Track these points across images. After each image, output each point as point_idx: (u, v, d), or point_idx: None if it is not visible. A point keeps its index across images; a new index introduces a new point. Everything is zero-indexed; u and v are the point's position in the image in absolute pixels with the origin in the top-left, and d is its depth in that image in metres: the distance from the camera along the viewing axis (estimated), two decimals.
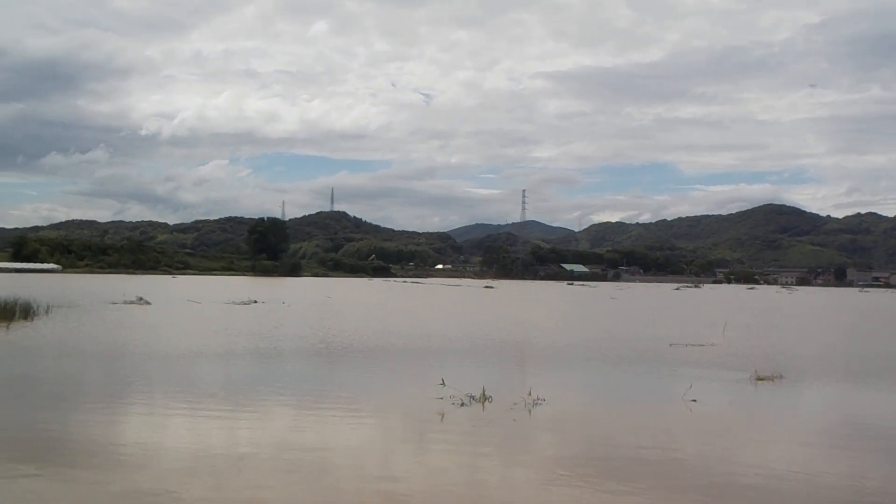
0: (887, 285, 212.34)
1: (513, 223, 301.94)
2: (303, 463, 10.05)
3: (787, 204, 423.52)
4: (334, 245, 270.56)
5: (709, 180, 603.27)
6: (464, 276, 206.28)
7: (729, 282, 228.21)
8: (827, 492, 9.33)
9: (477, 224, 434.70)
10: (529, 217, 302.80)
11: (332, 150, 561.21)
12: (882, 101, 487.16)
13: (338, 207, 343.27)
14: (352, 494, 8.80)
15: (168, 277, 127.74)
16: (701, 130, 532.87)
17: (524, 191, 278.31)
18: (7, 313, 29.19)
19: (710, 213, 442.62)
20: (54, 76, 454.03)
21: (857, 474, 10.21)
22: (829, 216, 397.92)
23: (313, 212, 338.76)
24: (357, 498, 8.69)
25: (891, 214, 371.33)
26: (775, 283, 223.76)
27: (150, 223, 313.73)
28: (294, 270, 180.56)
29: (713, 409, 14.92)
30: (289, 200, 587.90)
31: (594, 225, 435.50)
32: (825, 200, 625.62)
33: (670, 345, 26.51)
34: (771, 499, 8.95)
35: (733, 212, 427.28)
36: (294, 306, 47.37)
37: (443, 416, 13.19)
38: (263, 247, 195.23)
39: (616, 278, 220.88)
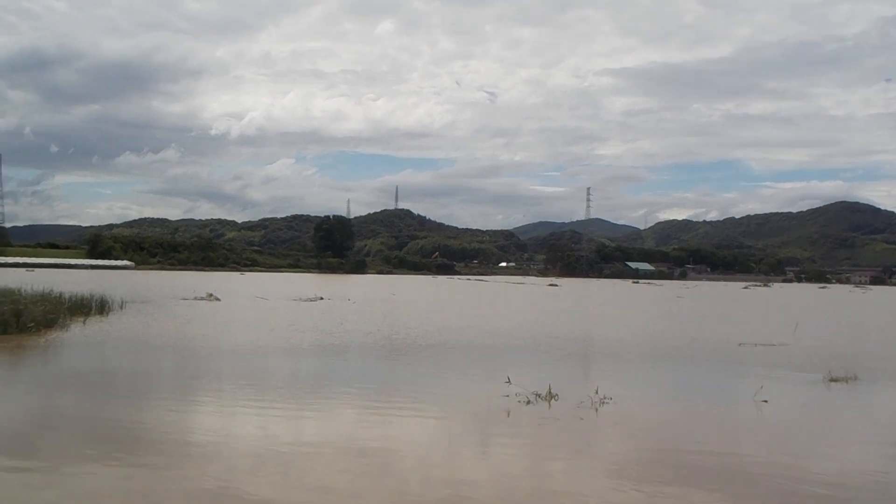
0: None
1: (577, 221, 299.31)
2: (368, 459, 10.11)
3: (861, 201, 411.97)
4: (398, 243, 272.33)
5: (779, 177, 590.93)
6: (527, 275, 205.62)
7: (799, 281, 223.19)
8: None
9: (541, 222, 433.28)
10: (594, 215, 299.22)
11: (397, 148, 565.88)
12: None
13: (402, 205, 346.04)
14: (417, 491, 8.83)
15: (236, 274, 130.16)
16: (771, 127, 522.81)
17: (589, 188, 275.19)
18: (84, 308, 30.07)
19: (780, 211, 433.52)
20: (129, 78, 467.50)
21: None
22: None
23: (378, 210, 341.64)
24: (422, 495, 8.70)
25: None
26: (848, 282, 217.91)
27: (219, 221, 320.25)
28: (359, 268, 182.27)
29: (785, 410, 14.58)
30: (354, 199, 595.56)
31: (660, 223, 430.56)
32: None
33: (739, 344, 26.01)
34: (839, 502, 8.71)
35: (804, 209, 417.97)
36: (359, 303, 47.77)
37: (509, 414, 13.16)
38: (329, 244, 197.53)
39: (682, 277, 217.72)
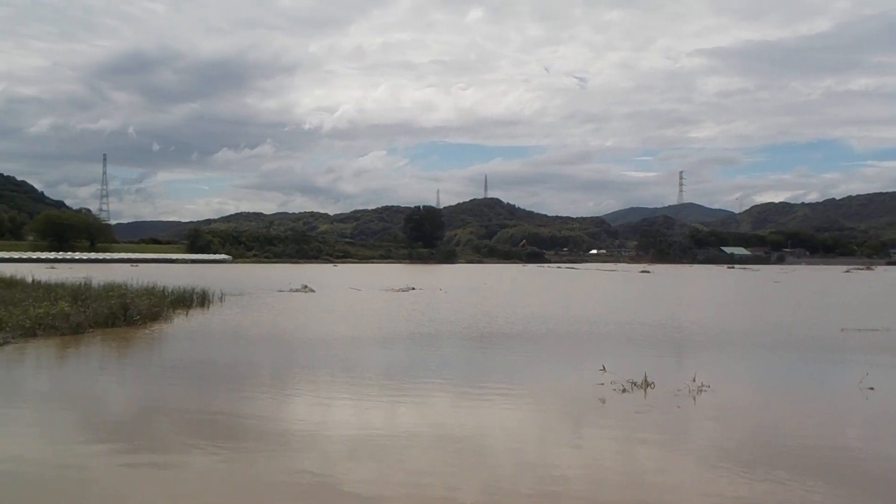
0: None
1: (669, 206, 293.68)
2: (462, 448, 10.16)
3: None
4: (488, 232, 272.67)
5: (883, 156, 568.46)
6: (619, 262, 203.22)
7: None
8: None
9: (632, 208, 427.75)
10: (687, 199, 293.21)
11: (486, 137, 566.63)
12: None
13: (491, 194, 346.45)
14: (510, 479, 8.83)
15: (329, 266, 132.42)
16: (874, 103, 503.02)
17: (681, 172, 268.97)
18: (185, 301, 31.06)
19: (884, 191, 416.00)
20: (225, 76, 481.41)
21: None
22: None
23: (467, 199, 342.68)
24: (515, 482, 8.70)
25: None
26: None
27: (312, 214, 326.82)
28: (449, 257, 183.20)
29: (893, 398, 14.03)
30: (443, 188, 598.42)
31: (756, 206, 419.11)
32: None
33: (842, 330, 25.14)
34: None
35: None
36: (450, 292, 47.99)
37: (604, 402, 13.03)
38: (419, 235, 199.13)
39: (780, 261, 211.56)
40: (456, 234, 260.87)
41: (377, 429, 11.16)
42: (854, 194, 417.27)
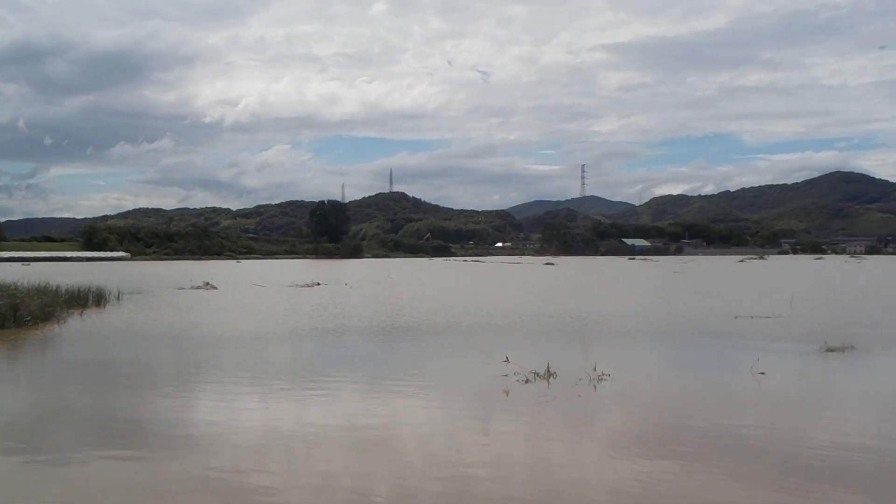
0: None
1: (572, 199, 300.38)
2: (371, 441, 10.19)
3: (856, 171, 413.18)
4: (394, 226, 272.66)
5: (774, 149, 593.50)
6: (524, 254, 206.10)
7: (795, 252, 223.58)
8: None
9: (536, 201, 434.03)
10: (589, 192, 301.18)
11: (392, 130, 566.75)
12: None
13: (397, 188, 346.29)
14: (419, 472, 8.90)
15: (232, 262, 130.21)
16: (767, 98, 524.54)
17: (583, 166, 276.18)
18: (80, 300, 30.08)
19: (776, 183, 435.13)
20: (121, 67, 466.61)
21: None
22: None
23: (373, 193, 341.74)
24: (424, 475, 8.78)
25: None
26: (844, 252, 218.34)
27: (214, 209, 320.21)
28: (355, 252, 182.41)
29: (782, 381, 14.68)
30: (349, 182, 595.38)
31: (655, 198, 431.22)
32: None
33: (735, 317, 26.14)
34: (844, 472, 8.78)
35: (799, 181, 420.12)
36: (357, 287, 47.85)
37: (508, 393, 13.24)
38: (324, 229, 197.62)
39: (678, 252, 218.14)
40: (362, 229, 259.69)
41: (285, 426, 11.08)
42: (747, 186, 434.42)
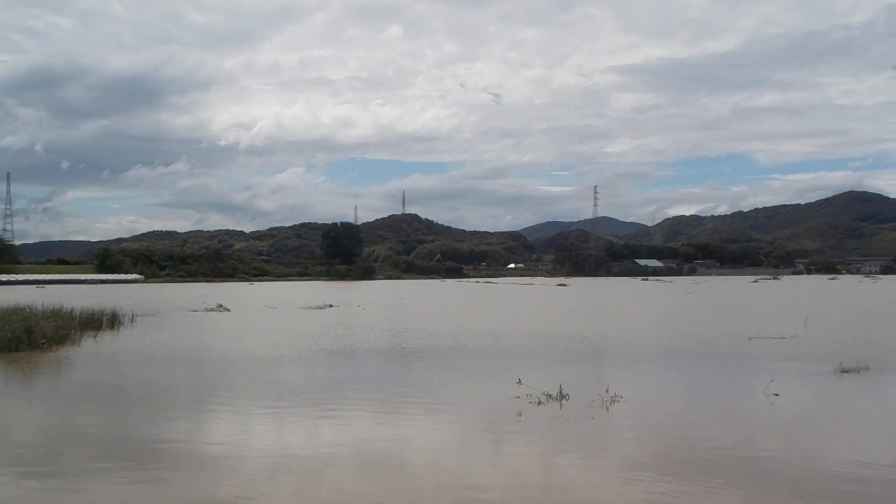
0: None
1: (585, 220, 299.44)
2: (383, 464, 10.19)
3: (870, 190, 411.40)
4: (406, 248, 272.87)
5: (787, 169, 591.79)
6: (536, 275, 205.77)
7: (809, 273, 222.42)
8: None
9: (549, 222, 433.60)
10: (602, 213, 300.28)
11: (405, 153, 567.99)
12: None
13: (410, 210, 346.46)
14: (431, 494, 8.89)
15: (245, 284, 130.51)
16: (779, 118, 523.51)
17: (596, 187, 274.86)
18: (94, 323, 30.20)
19: (789, 203, 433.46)
20: (138, 92, 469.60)
21: None
22: None
23: (385, 215, 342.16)
24: (438, 497, 8.78)
25: None
26: (858, 272, 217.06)
27: (227, 231, 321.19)
28: (367, 274, 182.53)
29: (797, 402, 14.59)
30: (362, 205, 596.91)
31: (668, 219, 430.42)
32: None
33: (749, 338, 26.00)
34: (861, 495, 8.73)
35: (813, 201, 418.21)
36: (369, 309, 47.85)
37: (520, 415, 13.20)
38: (337, 251, 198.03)
39: (691, 272, 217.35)
40: (374, 251, 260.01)
41: (298, 449, 11.10)
42: (761, 206, 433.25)
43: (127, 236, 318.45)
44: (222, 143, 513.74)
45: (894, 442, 11.57)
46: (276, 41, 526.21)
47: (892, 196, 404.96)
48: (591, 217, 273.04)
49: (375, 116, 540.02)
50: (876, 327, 32.48)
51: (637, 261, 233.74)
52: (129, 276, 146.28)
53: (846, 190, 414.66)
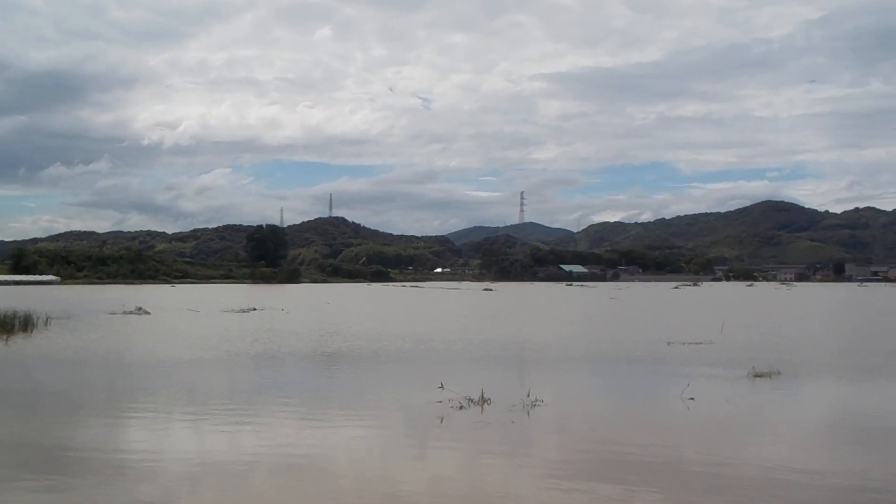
0: (886, 279, 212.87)
1: (512, 225, 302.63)
2: (306, 469, 10.15)
3: (786, 200, 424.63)
4: (333, 251, 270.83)
5: (708, 178, 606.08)
6: (463, 279, 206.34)
7: (728, 279, 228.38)
8: (829, 489, 9.41)
9: (476, 227, 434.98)
10: (528, 219, 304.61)
11: (333, 155, 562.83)
12: (882, 94, 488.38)
13: (337, 213, 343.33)
14: (354, 498, 8.91)
15: (167, 286, 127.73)
16: (701, 128, 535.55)
17: (522, 192, 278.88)
18: (6, 326, 29.24)
19: (709, 211, 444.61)
20: (58, 88, 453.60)
21: (857, 470, 10.25)
22: (827, 211, 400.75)
23: (312, 218, 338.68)
24: (360, 501, 8.79)
25: (890, 208, 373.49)
26: (774, 279, 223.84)
27: (149, 232, 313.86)
28: (293, 277, 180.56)
29: (711, 406, 15.01)
30: (289, 207, 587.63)
31: (593, 225, 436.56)
32: (825, 196, 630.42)
33: (668, 343, 26.61)
34: (773, 495, 9.03)
35: (732, 209, 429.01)
36: (293, 313, 47.43)
37: (442, 420, 13.29)
38: (262, 254, 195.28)
39: (615, 278, 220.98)
40: (300, 254, 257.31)
41: (219, 454, 10.97)
42: (682, 214, 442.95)
43: (43, 236, 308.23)
44: (145, 142, 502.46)
45: (805, 444, 12.02)
46: (203, 40, 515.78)
47: (807, 206, 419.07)
48: (517, 222, 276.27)
49: (303, 118, 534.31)
50: (788, 334, 33.57)
51: (562, 266, 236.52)
52: (44, 278, 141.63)
53: (764, 199, 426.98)
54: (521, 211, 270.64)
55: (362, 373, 20.08)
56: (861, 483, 9.65)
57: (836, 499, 9.04)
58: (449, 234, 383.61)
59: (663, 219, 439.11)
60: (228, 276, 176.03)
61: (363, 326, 35.63)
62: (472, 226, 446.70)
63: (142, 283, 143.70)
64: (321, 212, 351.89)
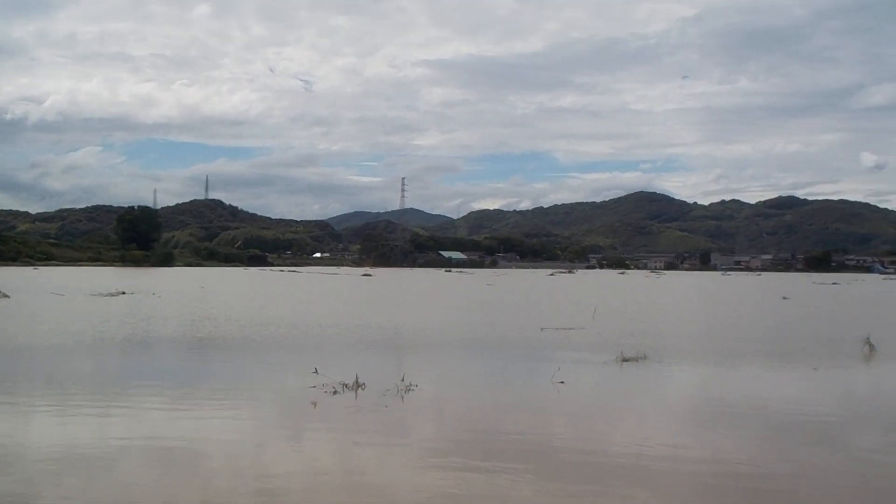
0: (748, 269, 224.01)
1: (392, 211, 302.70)
2: (176, 457, 9.99)
3: (658, 191, 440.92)
4: (209, 234, 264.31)
5: (585, 168, 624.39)
6: (342, 265, 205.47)
7: (601, 267, 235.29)
8: (690, 466, 9.94)
9: (356, 212, 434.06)
10: (410, 205, 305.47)
11: (211, 136, 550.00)
12: (749, 92, 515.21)
13: (214, 196, 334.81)
14: (226, 488, 8.83)
15: (29, 269, 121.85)
16: (580, 120, 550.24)
17: (403, 178, 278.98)
18: None
19: (586, 201, 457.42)
20: None
21: (715, 448, 10.86)
22: (695, 203, 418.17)
23: (187, 200, 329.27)
24: (232, 489, 8.73)
25: (753, 201, 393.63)
26: (645, 267, 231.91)
27: (11, 212, 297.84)
28: (166, 260, 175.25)
29: (580, 390, 15.55)
30: (163, 189, 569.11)
31: (473, 212, 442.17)
32: (695, 188, 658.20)
33: (542, 329, 27.29)
34: (639, 474, 9.47)
35: (607, 199, 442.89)
36: (165, 297, 46.15)
37: (315, 405, 13.29)
38: (133, 236, 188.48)
39: (493, 265, 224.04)
40: (174, 237, 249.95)
41: (85, 444, 10.65)
42: (560, 203, 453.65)
43: None
44: (8, 116, 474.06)
45: (668, 425, 12.60)
46: (73, 11, 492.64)
47: (677, 197, 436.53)
48: (398, 208, 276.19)
49: (180, 97, 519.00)
50: (655, 320, 35.00)
51: (442, 252, 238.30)
52: None
53: (637, 190, 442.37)
54: (403, 197, 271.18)
55: (235, 359, 19.82)
56: (719, 459, 10.26)
57: (696, 475, 9.56)
58: (329, 218, 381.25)
59: (541, 207, 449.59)
60: (97, 259, 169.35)
61: (237, 311, 35.02)
62: (352, 211, 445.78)
63: (2, 265, 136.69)
64: (197, 194, 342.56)
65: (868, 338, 22.12)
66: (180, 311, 34.81)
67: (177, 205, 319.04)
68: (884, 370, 19.50)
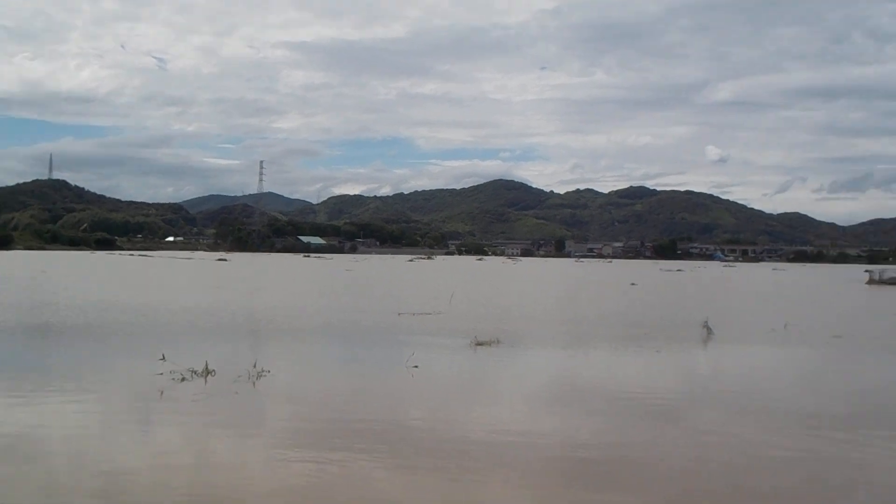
0: (600, 256, 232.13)
1: (250, 195, 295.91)
2: (13, 450, 9.46)
3: (516, 179, 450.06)
4: (52, 216, 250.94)
5: (445, 156, 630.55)
6: (197, 249, 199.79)
7: (460, 253, 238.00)
8: (543, 447, 10.18)
9: (213, 195, 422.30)
10: (268, 189, 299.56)
11: (56, 113, 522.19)
12: (605, 85, 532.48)
13: (59, 176, 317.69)
14: (70, 480, 8.47)
15: None
16: (441, 107, 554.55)
17: (262, 161, 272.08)
18: None
19: (446, 188, 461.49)
20: None
21: (568, 429, 11.25)
22: (552, 192, 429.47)
23: (29, 180, 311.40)
24: (76, 483, 8.38)
25: (606, 191, 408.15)
26: (503, 254, 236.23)
27: None
28: (4, 243, 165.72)
29: (434, 374, 15.68)
30: (2, 167, 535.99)
31: (332, 198, 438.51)
32: (552, 177, 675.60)
33: (399, 314, 27.34)
34: (493, 455, 9.62)
35: (467, 186, 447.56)
36: (4, 282, 43.56)
37: (162, 393, 12.82)
38: None
39: (353, 250, 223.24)
40: (14, 218, 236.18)
41: None
42: (420, 190, 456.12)
43: None
44: None
45: (521, 407, 12.87)
46: None
47: (534, 186, 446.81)
48: (256, 192, 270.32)
49: (21, 71, 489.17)
50: (509, 305, 35.68)
51: (301, 237, 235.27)
52: None
53: (496, 178, 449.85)
54: (261, 181, 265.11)
55: (78, 346, 18.95)
56: (570, 438, 10.67)
57: (549, 455, 9.81)
58: (183, 201, 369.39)
59: (402, 193, 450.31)
60: None
61: (81, 296, 33.43)
62: (208, 194, 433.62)
63: None
64: (40, 173, 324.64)
65: (706, 322, 23.24)
66: (18, 297, 32.99)
67: (17, 184, 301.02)
68: (720, 352, 20.56)
